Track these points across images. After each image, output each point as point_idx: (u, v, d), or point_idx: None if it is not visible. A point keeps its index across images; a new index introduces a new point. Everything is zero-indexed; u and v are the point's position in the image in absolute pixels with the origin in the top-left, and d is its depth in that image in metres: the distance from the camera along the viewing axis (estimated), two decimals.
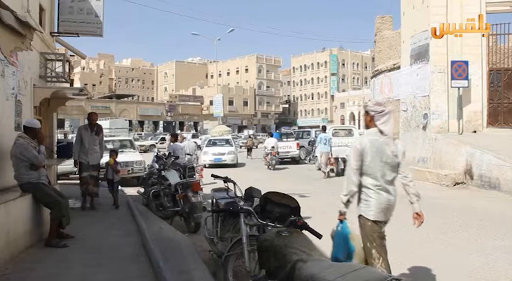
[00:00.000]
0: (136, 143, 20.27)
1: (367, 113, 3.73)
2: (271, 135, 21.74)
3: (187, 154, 12.31)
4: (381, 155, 3.55)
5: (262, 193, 3.57)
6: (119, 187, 9.12)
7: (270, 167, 19.09)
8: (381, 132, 3.60)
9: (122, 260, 4.91)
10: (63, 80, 10.20)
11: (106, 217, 7.48)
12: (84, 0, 10.49)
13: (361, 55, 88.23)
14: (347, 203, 3.59)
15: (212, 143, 23.63)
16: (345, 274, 1.92)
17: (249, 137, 33.20)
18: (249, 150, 27.88)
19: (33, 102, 8.06)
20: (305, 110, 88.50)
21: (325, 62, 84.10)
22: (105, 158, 8.87)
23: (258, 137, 43.13)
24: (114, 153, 8.85)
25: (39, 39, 8.68)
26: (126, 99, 68.63)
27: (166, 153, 10.38)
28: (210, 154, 21.35)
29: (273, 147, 19.30)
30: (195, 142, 20.53)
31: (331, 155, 15.75)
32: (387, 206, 3.61)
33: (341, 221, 3.55)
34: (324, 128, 17.31)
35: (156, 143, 36.83)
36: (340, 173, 15.79)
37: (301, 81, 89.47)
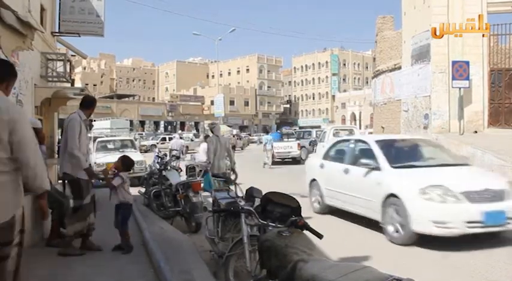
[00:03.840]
0: (137, 143, 20.26)
1: (211, 131, 8.33)
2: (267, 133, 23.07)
3: (175, 150, 12.55)
4: (222, 146, 7.88)
5: (263, 193, 3.56)
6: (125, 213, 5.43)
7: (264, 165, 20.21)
8: (217, 136, 8.07)
9: (122, 260, 4.91)
10: (64, 79, 10.23)
11: (107, 217, 7.47)
12: (85, 0, 10.51)
13: (362, 55, 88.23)
14: (208, 165, 7.77)
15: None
16: (346, 273, 1.92)
17: (233, 136, 35.45)
18: (233, 148, 29.87)
19: (34, 102, 8.09)
20: (306, 110, 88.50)
21: (326, 62, 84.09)
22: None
23: (246, 137, 43.57)
24: (121, 158, 5.57)
25: (41, 39, 8.70)
26: (127, 99, 68.62)
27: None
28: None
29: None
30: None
31: (273, 151, 21.30)
32: (219, 167, 7.76)
33: (206, 173, 7.63)
34: (266, 131, 22.91)
35: (157, 143, 36.84)
36: None
37: (302, 81, 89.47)
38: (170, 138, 35.43)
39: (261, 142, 34.36)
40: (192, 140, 35.97)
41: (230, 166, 8.32)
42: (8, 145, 2.70)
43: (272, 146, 21.59)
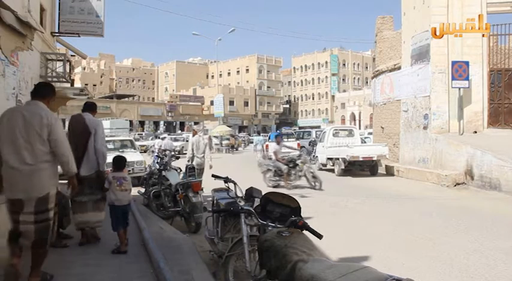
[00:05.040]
0: (137, 143, 20.21)
1: (196, 132, 11.20)
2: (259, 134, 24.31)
3: (167, 150, 12.75)
4: (198, 145, 10.51)
5: (263, 193, 3.57)
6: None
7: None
8: (199, 136, 10.87)
9: (122, 260, 4.91)
10: (64, 80, 10.22)
11: (106, 217, 7.47)
12: (85, 0, 10.51)
13: (361, 55, 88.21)
14: (188, 162, 9.97)
15: None
16: (345, 274, 1.92)
17: (232, 136, 38.29)
18: (232, 147, 35.01)
19: None
20: (306, 111, 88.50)
21: (326, 62, 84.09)
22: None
23: (246, 137, 46.19)
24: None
25: (40, 39, 8.69)
26: (126, 99, 68.65)
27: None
28: None
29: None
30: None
31: (263, 152, 21.27)
32: (198, 162, 10.36)
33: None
34: (258, 133, 26.03)
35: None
36: (341, 173, 15.82)
37: (301, 81, 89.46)
38: (157, 138, 36.14)
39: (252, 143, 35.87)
40: (186, 141, 35.49)
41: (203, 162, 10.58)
42: (47, 141, 3.92)
43: (263, 147, 22.19)
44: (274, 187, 12.04)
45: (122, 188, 5.34)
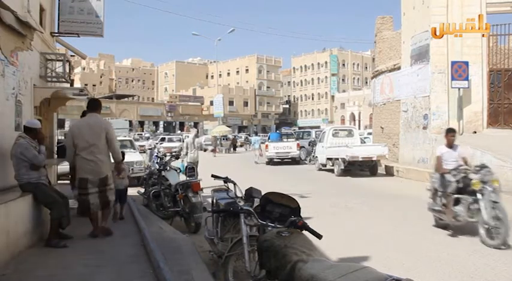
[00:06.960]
0: (137, 144, 20.16)
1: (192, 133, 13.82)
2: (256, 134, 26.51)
3: (149, 149, 13.81)
4: (194, 144, 12.35)
5: (263, 193, 3.56)
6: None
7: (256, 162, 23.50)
8: (197, 136, 13.61)
9: (121, 260, 4.91)
10: (64, 80, 10.19)
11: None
12: (85, 0, 10.49)
13: (361, 55, 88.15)
14: (185, 156, 12.23)
15: None
16: (345, 274, 1.92)
17: (234, 137, 42.60)
18: (235, 148, 38.16)
19: (34, 102, 8.06)
20: (305, 111, 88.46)
21: (326, 62, 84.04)
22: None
23: (239, 139, 48.09)
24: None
25: (40, 39, 8.68)
26: (126, 99, 68.60)
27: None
28: None
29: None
30: None
31: (261, 150, 24.20)
32: (193, 158, 12.17)
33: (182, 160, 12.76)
34: (255, 133, 28.43)
35: (157, 143, 36.71)
36: (341, 173, 15.82)
37: (301, 81, 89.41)
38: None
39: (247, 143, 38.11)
40: (182, 142, 34.87)
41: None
42: (105, 140, 5.83)
43: (260, 146, 24.60)
44: (439, 226, 7.03)
45: (120, 177, 7.04)
